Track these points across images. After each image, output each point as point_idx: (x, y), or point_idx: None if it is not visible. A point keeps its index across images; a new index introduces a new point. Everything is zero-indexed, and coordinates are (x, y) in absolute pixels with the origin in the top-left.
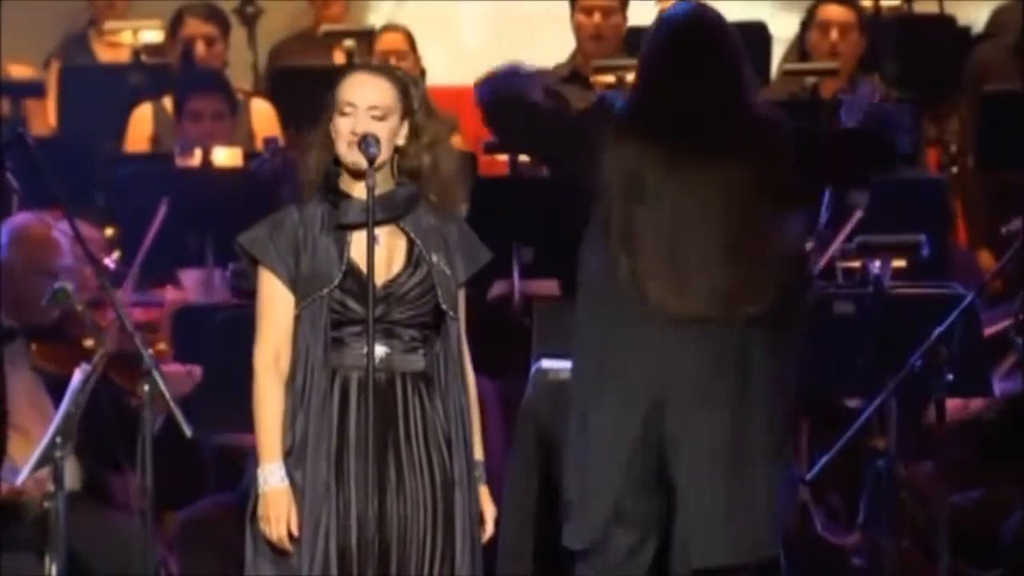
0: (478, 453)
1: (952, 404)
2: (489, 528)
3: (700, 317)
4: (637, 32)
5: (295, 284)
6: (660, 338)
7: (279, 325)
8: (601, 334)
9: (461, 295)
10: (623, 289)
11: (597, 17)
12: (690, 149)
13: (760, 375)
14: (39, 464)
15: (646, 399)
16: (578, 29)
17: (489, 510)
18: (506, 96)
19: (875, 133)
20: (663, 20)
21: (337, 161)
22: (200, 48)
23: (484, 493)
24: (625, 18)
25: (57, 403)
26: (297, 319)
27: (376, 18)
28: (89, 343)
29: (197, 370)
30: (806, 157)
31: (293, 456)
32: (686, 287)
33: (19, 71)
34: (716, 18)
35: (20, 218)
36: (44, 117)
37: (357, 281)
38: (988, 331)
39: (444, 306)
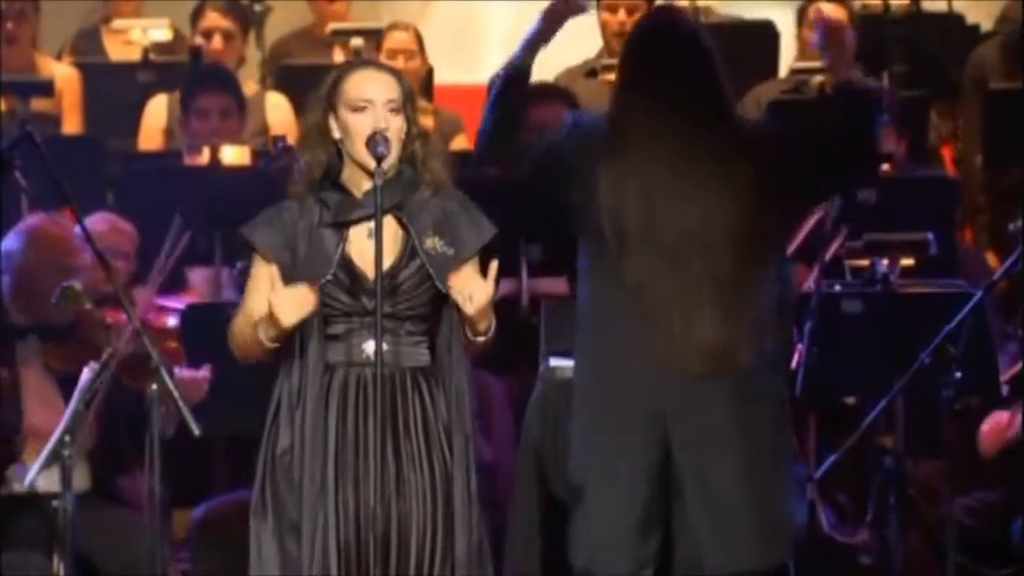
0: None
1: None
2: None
3: (691, 372)
4: None
5: (288, 274)
6: (658, 382)
7: (260, 302)
8: (600, 364)
9: (474, 266)
10: (620, 326)
11: (622, 14)
12: (678, 174)
13: (760, 413)
14: (47, 463)
15: (651, 434)
16: (603, 27)
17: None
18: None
19: (860, 134)
20: (636, 29)
21: (339, 155)
22: (217, 41)
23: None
24: None
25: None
26: None
27: (383, 15)
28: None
29: (205, 374)
30: (807, 161)
31: (292, 453)
32: (679, 341)
33: (60, 70)
34: (691, 25)
35: (36, 218)
36: (76, 117)
37: (351, 275)
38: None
39: (442, 287)
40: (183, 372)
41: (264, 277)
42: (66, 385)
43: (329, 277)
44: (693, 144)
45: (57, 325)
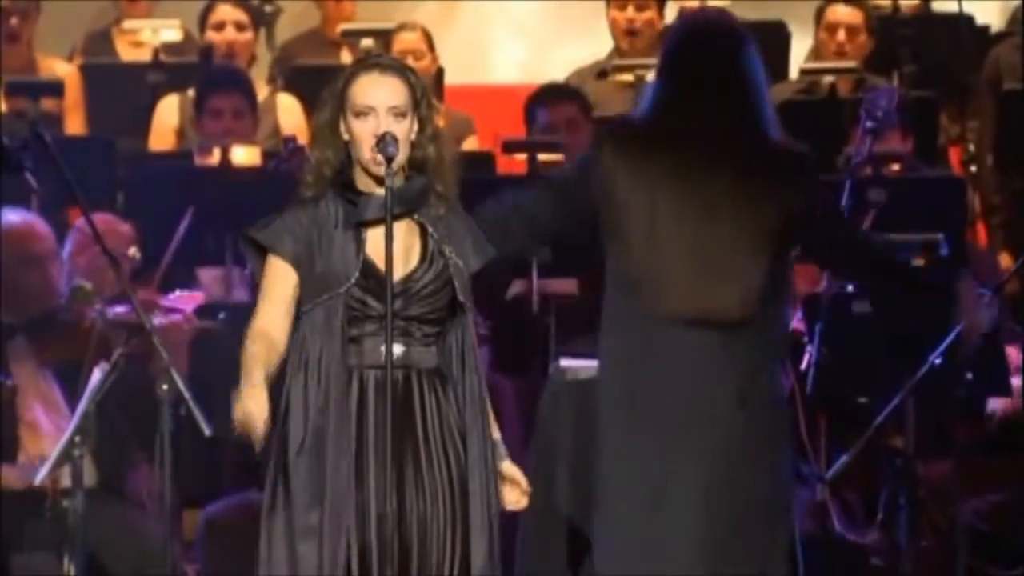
0: (495, 433)
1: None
2: (522, 495)
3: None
4: None
5: (305, 280)
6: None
7: (280, 302)
8: (628, 370)
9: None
10: (644, 313)
11: (631, 11)
12: (704, 177)
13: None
14: (58, 463)
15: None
16: (612, 25)
17: (520, 478)
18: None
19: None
20: (682, 22)
21: (349, 159)
22: (229, 32)
23: (509, 465)
24: (661, 16)
25: (66, 392)
26: (306, 316)
27: (393, 16)
28: (89, 325)
29: (190, 311)
30: (823, 232)
31: (307, 453)
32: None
33: (61, 68)
34: (734, 25)
35: None
36: (78, 117)
37: (375, 278)
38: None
39: (461, 298)
40: (158, 319)
41: (285, 277)
42: (62, 377)
43: (353, 281)
44: (724, 155)
45: (40, 318)
